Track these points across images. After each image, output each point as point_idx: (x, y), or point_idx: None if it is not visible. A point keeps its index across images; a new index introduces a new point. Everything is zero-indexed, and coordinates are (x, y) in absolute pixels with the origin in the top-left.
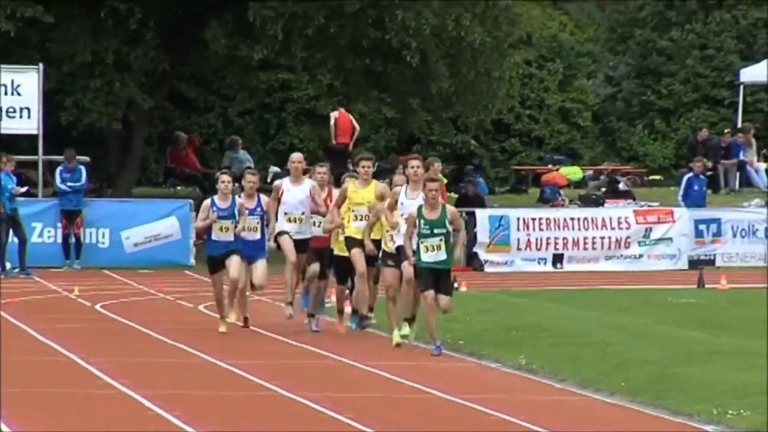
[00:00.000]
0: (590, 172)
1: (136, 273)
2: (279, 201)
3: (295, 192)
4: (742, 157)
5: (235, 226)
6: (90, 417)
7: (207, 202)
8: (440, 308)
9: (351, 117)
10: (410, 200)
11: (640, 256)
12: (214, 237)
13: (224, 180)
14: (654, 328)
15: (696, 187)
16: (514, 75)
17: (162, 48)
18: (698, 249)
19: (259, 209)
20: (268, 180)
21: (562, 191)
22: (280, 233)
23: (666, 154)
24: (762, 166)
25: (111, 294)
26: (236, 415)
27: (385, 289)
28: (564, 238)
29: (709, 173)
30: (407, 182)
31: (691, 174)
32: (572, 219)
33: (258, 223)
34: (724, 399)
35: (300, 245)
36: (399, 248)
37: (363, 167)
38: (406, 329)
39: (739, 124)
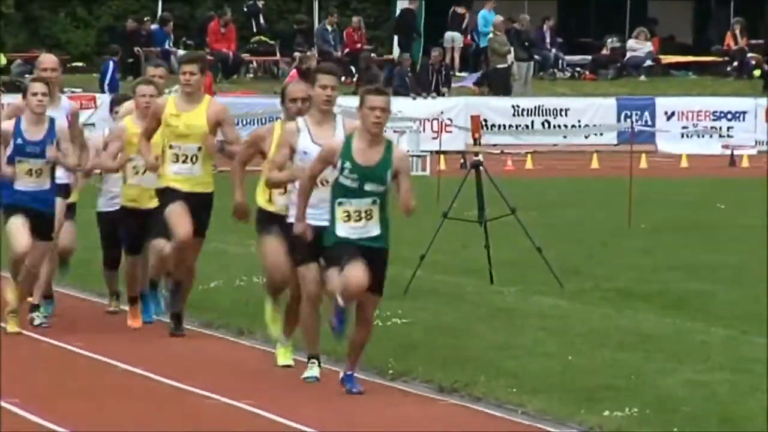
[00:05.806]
0: (19, 61)
1: None
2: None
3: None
4: (168, 47)
5: (53, 168)
6: None
7: (9, 123)
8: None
9: None
10: (318, 147)
11: None
12: (16, 185)
13: (36, 91)
14: None
15: (119, 75)
16: None
17: None
18: None
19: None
20: None
21: None
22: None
23: (88, 41)
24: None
25: None
26: None
27: (265, 285)
28: None
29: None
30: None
31: (111, 61)
32: None
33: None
34: None
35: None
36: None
37: (183, 74)
38: (314, 370)
39: (160, 13)
